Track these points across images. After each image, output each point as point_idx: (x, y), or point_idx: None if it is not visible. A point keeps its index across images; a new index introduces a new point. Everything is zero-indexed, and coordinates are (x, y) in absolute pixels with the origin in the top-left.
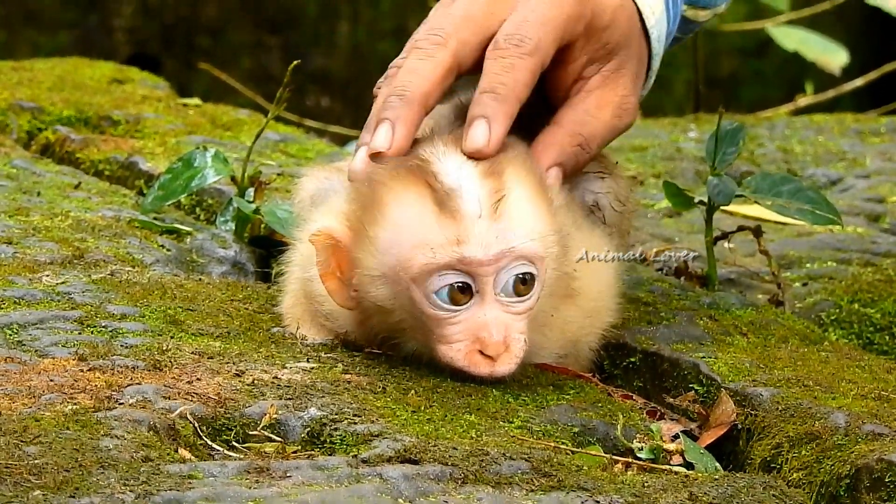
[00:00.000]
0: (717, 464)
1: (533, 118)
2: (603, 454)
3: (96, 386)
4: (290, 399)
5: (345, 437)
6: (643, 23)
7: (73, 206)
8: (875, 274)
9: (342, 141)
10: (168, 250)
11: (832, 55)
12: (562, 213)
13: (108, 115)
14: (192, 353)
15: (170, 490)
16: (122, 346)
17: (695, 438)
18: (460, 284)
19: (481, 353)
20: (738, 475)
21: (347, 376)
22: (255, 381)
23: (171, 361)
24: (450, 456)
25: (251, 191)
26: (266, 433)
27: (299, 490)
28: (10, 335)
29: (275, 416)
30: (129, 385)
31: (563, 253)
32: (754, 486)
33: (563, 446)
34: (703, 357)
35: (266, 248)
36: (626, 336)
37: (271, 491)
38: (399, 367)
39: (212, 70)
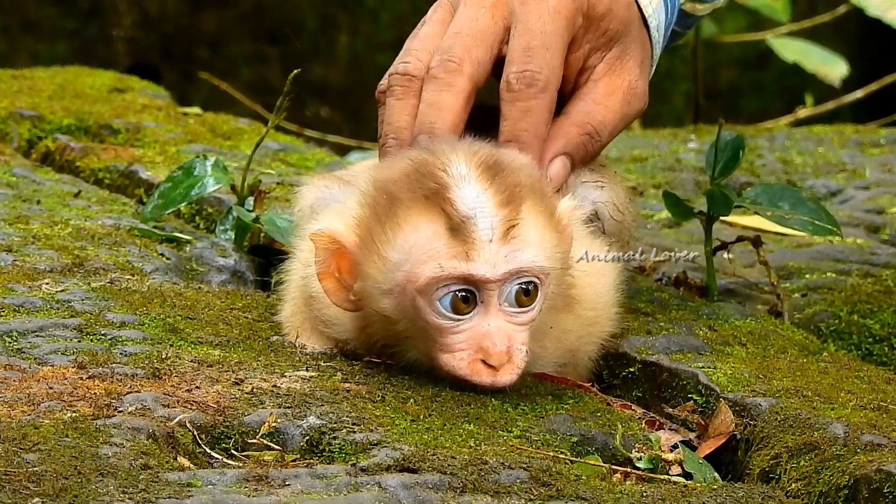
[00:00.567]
0: (716, 474)
1: None
2: (602, 464)
3: (95, 394)
4: (289, 407)
5: (344, 445)
6: (642, 12)
7: (72, 214)
8: (874, 285)
9: (342, 150)
10: (168, 259)
11: (832, 66)
12: (570, 233)
13: (109, 124)
14: (192, 361)
15: (169, 498)
16: (121, 354)
17: (694, 448)
18: (463, 294)
19: (484, 362)
20: (736, 485)
21: (346, 385)
22: (255, 390)
23: (170, 370)
24: (448, 465)
25: (251, 200)
26: (265, 441)
27: (298, 499)
28: (10, 343)
29: (274, 424)
30: (128, 393)
31: (565, 269)
32: (753, 497)
33: (561, 456)
34: (703, 367)
35: (265, 257)
36: (626, 346)
37: (270, 499)
38: (398, 376)
39: (211, 80)
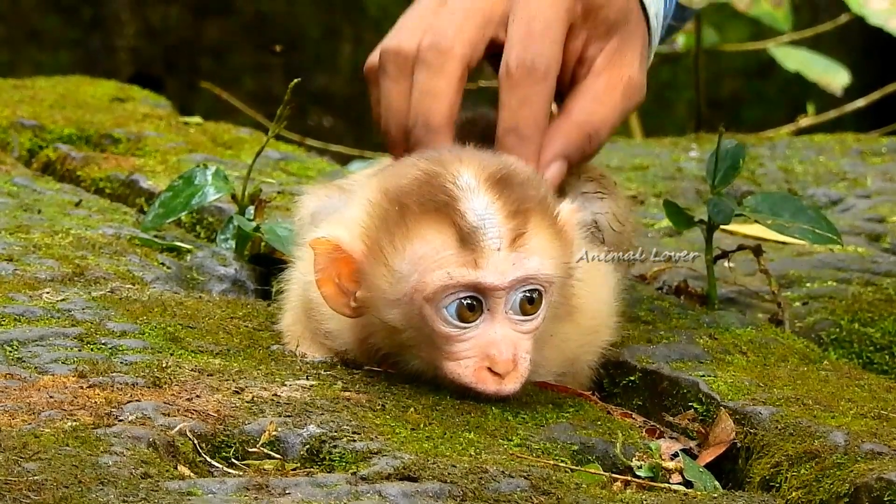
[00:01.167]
0: (717, 482)
1: None
2: (602, 472)
3: (96, 403)
4: (289, 416)
5: (344, 454)
6: (641, 1)
7: (73, 223)
8: (875, 293)
9: (343, 160)
10: (168, 268)
11: (834, 75)
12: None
13: (110, 134)
14: (192, 370)
15: None
16: (121, 363)
17: (694, 457)
18: (469, 302)
19: (489, 370)
20: (737, 494)
21: (347, 394)
22: (255, 399)
23: (170, 378)
24: (449, 474)
25: (251, 209)
26: (265, 450)
27: None
28: (10, 352)
29: (274, 433)
30: (128, 402)
31: (568, 277)
32: None
33: (562, 464)
34: (703, 376)
35: (266, 266)
36: (626, 354)
37: None
38: (398, 385)
39: (213, 89)
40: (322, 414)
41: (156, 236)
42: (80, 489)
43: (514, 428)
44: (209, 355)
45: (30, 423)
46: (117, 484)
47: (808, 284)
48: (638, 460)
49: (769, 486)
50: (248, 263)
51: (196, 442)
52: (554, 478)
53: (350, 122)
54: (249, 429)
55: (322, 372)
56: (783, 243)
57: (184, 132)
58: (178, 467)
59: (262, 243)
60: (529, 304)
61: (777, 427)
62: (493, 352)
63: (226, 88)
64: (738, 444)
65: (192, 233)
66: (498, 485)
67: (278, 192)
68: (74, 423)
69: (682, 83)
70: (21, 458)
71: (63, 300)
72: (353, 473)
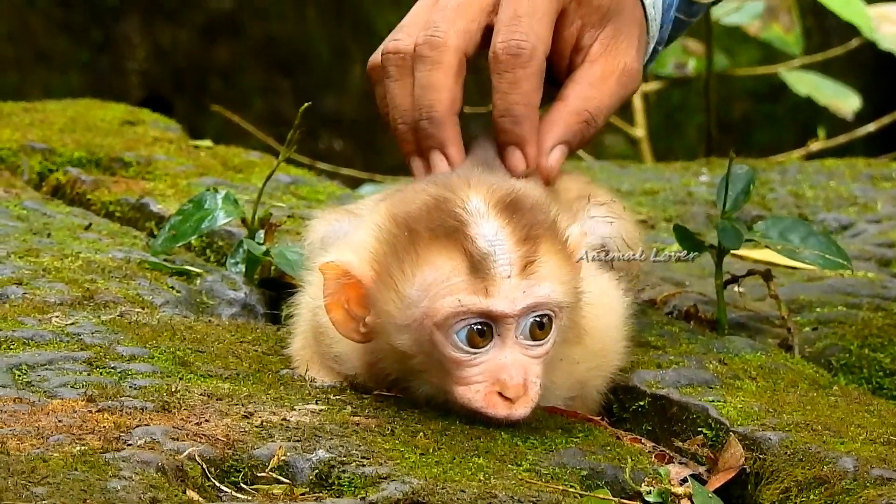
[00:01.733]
0: None
1: None
2: (611, 498)
3: (105, 427)
4: (298, 441)
5: (353, 479)
6: None
7: (83, 247)
8: (885, 319)
9: (354, 183)
10: (178, 292)
11: (845, 100)
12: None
13: (120, 157)
14: (201, 394)
15: None
16: (130, 387)
17: (703, 482)
18: (479, 327)
19: (500, 395)
20: None
21: (356, 418)
22: (264, 423)
23: (179, 403)
24: (458, 499)
25: (261, 233)
26: (274, 475)
27: None
28: (19, 376)
29: (283, 457)
30: (137, 426)
31: (577, 301)
32: None
33: (571, 489)
34: (712, 401)
35: (276, 291)
36: (635, 379)
37: None
38: (408, 410)
39: (223, 112)
40: (331, 439)
41: (165, 260)
42: None
43: (524, 453)
44: (218, 380)
45: (38, 448)
46: None
47: (818, 309)
48: (647, 486)
49: None
50: (258, 287)
51: (205, 466)
52: (563, 503)
53: (360, 145)
54: (258, 453)
55: (331, 396)
56: (793, 268)
57: (194, 156)
58: (187, 492)
59: (272, 267)
60: (540, 329)
61: (786, 452)
62: (503, 377)
63: (235, 110)
64: (748, 470)
65: (202, 257)
66: None
67: (288, 216)
68: (83, 448)
69: (693, 107)
70: (30, 482)
71: (72, 324)
72: (362, 498)
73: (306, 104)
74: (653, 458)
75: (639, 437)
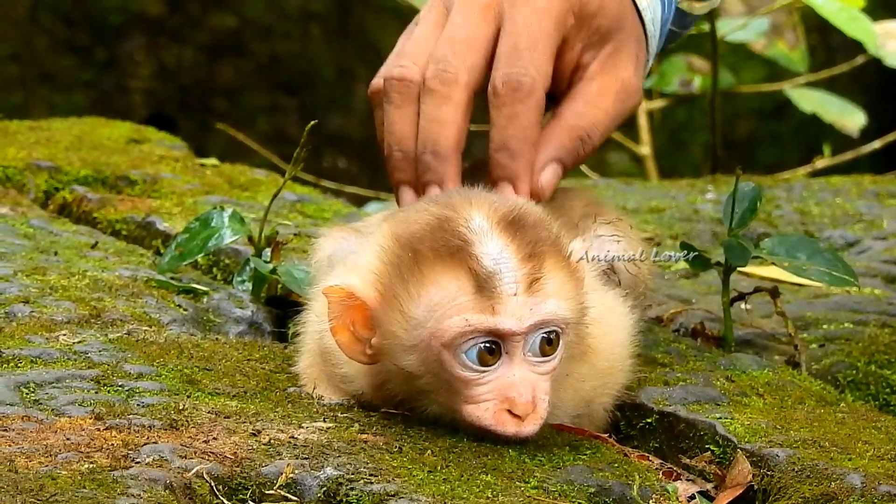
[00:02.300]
0: None
1: None
2: None
3: (113, 445)
4: (306, 458)
5: (361, 496)
6: (636, 5)
7: (90, 265)
8: (892, 335)
9: (359, 201)
10: (185, 310)
11: (850, 117)
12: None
13: (126, 175)
14: (209, 412)
15: None
16: (138, 405)
17: (711, 499)
18: (488, 346)
19: (509, 412)
20: None
21: (364, 436)
22: (272, 441)
23: (187, 421)
24: None
25: (268, 251)
26: (282, 493)
27: None
28: (27, 394)
29: (291, 475)
30: (145, 444)
31: (583, 316)
32: None
33: None
34: (720, 418)
35: (283, 308)
36: (643, 397)
37: None
38: (415, 427)
39: (228, 130)
40: (339, 456)
41: (172, 278)
42: None
43: (531, 470)
44: (226, 397)
45: (47, 466)
46: None
47: (824, 326)
48: (655, 503)
49: None
50: (265, 306)
51: (213, 484)
52: None
53: (365, 163)
54: (266, 471)
55: (339, 414)
56: (800, 285)
57: (200, 174)
58: None
59: (279, 285)
60: (548, 345)
61: (794, 469)
62: (512, 394)
63: (240, 129)
64: (755, 487)
65: (208, 275)
66: None
67: (295, 234)
68: (91, 466)
69: (698, 124)
70: (38, 500)
71: (80, 342)
72: None
73: (313, 122)
74: (660, 475)
75: (646, 455)
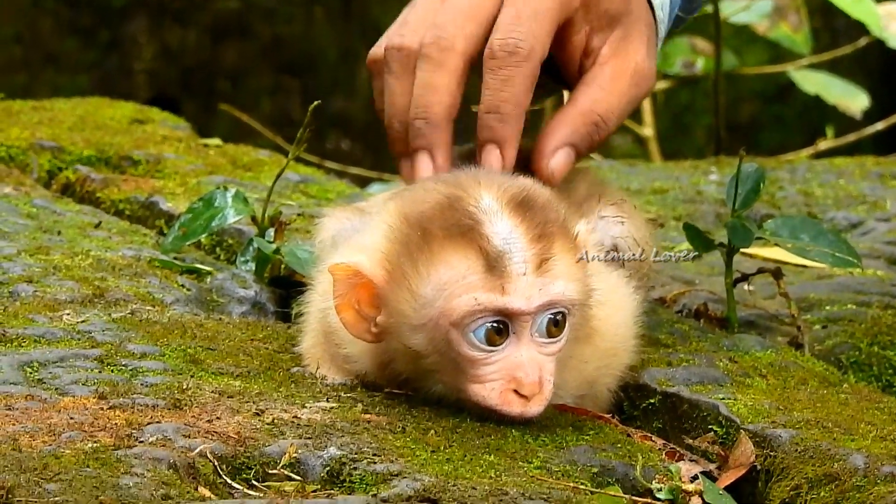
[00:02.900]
0: None
1: None
2: (622, 495)
3: (116, 424)
4: (309, 438)
5: (364, 476)
6: None
7: (93, 245)
8: (895, 316)
9: (362, 182)
10: (188, 290)
11: (853, 99)
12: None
13: (129, 155)
14: (212, 392)
15: None
16: (142, 384)
17: (714, 479)
18: (497, 325)
19: (515, 392)
20: None
21: (367, 416)
22: (275, 421)
23: (191, 400)
24: (469, 496)
25: (271, 231)
26: (286, 472)
27: None
28: (31, 373)
29: (294, 455)
30: (149, 423)
31: (589, 298)
32: None
33: (582, 487)
34: (723, 398)
35: (286, 289)
36: (646, 377)
37: None
38: (419, 407)
39: (232, 111)
40: (342, 436)
41: (176, 258)
42: None
43: (535, 450)
44: (229, 377)
45: (50, 445)
46: None
47: (827, 308)
48: (658, 483)
49: None
50: (268, 286)
51: (216, 464)
52: (574, 500)
53: (368, 144)
54: (270, 450)
55: (342, 394)
56: (803, 266)
57: (203, 154)
58: (199, 489)
59: (282, 265)
60: (555, 326)
61: (797, 450)
62: (519, 374)
63: (243, 110)
64: (758, 467)
65: (211, 255)
66: None
67: (298, 215)
68: (95, 445)
69: (701, 107)
70: (42, 479)
71: (83, 322)
72: (374, 495)
73: (316, 102)
74: (663, 456)
75: (649, 435)
